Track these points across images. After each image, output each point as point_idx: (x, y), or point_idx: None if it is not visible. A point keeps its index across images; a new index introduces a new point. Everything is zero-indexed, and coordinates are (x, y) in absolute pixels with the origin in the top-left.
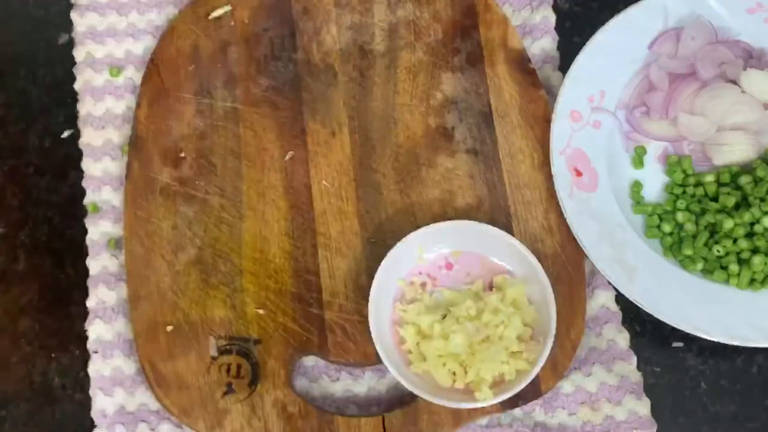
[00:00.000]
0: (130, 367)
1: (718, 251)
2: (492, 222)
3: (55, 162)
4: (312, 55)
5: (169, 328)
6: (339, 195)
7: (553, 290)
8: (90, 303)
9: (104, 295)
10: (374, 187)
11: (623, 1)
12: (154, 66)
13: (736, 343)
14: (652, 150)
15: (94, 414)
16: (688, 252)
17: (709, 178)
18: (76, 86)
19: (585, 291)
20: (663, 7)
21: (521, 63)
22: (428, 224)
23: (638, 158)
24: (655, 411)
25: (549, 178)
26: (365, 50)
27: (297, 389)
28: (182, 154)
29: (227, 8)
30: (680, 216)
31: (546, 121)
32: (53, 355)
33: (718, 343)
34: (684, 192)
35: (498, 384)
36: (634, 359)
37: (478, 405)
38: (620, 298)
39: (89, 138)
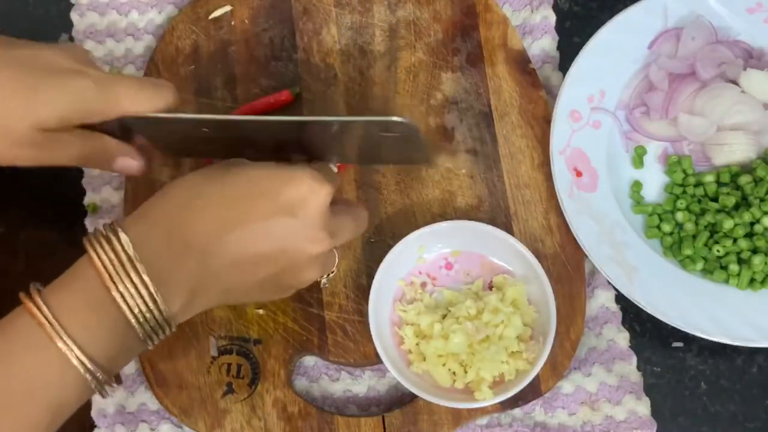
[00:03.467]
0: (130, 367)
1: (717, 251)
2: (492, 222)
3: None
4: (312, 55)
5: None
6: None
7: (553, 290)
8: None
9: None
10: (374, 187)
11: (623, 1)
12: (154, 66)
13: (736, 343)
14: (652, 150)
15: (94, 414)
16: (688, 252)
17: (709, 178)
18: None
19: (585, 291)
20: (663, 7)
21: (521, 63)
22: (428, 224)
23: (638, 158)
24: (655, 411)
25: (549, 178)
26: (365, 50)
27: (297, 389)
28: None
29: (227, 8)
30: (680, 216)
31: (546, 121)
32: None
33: (718, 343)
34: (684, 192)
35: (498, 384)
36: (634, 359)
37: (478, 405)
38: (620, 298)
39: None
